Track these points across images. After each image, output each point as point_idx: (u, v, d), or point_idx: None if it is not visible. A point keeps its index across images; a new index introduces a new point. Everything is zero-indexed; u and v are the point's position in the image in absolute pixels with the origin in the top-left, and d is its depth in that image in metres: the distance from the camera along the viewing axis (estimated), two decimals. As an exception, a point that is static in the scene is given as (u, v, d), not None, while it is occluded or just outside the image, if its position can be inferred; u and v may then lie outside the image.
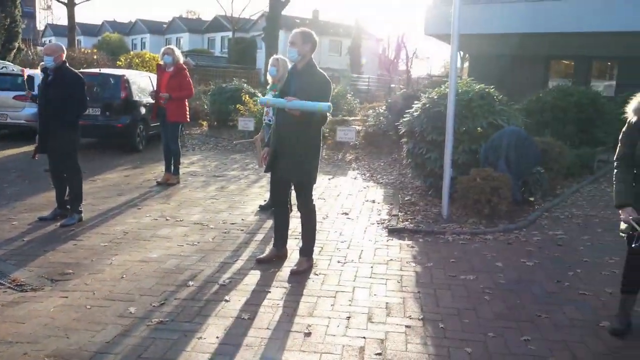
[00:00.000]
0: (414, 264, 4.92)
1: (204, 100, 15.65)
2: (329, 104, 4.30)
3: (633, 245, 3.40)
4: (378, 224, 6.25)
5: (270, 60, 6.24)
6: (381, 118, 12.05)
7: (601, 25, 15.54)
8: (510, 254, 5.26)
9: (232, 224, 6.11)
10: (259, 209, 6.71)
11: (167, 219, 6.22)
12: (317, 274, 4.61)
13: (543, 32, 16.45)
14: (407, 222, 6.27)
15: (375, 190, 8.16)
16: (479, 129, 7.04)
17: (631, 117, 3.49)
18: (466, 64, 24.03)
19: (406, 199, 7.48)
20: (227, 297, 4.06)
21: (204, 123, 15.00)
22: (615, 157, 3.63)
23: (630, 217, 3.37)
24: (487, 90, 7.39)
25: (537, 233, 5.96)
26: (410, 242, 5.57)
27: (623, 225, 3.52)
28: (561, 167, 8.03)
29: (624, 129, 3.57)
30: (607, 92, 17.65)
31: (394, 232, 5.89)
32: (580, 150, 9.60)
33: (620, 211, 3.49)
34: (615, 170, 3.60)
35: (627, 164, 3.52)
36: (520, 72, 17.68)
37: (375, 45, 28.34)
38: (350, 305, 3.99)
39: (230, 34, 37.85)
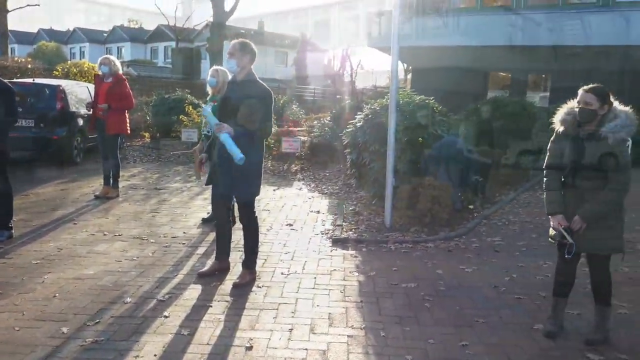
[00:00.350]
0: (357, 274, 4.96)
1: (146, 112, 15.32)
2: (242, 157, 4.18)
3: (566, 257, 3.54)
4: (322, 234, 6.27)
5: (210, 71, 6.19)
6: (326, 129, 12.16)
7: (537, 40, 16.31)
8: (450, 261, 5.39)
9: (174, 237, 5.99)
10: (201, 221, 6.61)
11: (104, 234, 6.02)
12: (260, 287, 4.57)
13: (482, 46, 17.08)
14: (350, 232, 6.33)
15: (320, 200, 8.20)
16: (420, 139, 7.21)
17: (558, 127, 3.66)
18: (410, 76, 24.66)
19: (350, 208, 7.55)
20: (166, 313, 3.96)
21: (146, 135, 14.67)
22: (544, 166, 3.79)
23: (561, 226, 3.53)
24: (427, 101, 7.59)
25: (475, 240, 6.14)
26: (353, 252, 5.62)
27: (552, 232, 3.68)
28: (499, 176, 8.33)
29: (552, 139, 3.74)
30: (542, 102, 18.50)
31: (337, 242, 5.93)
32: (517, 159, 10.01)
33: (551, 218, 3.64)
34: (545, 179, 3.76)
35: (555, 172, 3.69)
36: (461, 84, 18.22)
37: (320, 56, 28.59)
38: (292, 317, 3.98)
39: (173, 43, 37.29)
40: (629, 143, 3.46)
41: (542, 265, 5.23)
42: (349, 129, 7.77)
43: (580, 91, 3.52)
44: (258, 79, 4.51)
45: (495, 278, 4.90)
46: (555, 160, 3.66)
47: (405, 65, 25.40)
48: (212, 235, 5.89)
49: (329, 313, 4.06)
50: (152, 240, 5.84)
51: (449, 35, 18.02)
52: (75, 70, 17.68)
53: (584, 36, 17.66)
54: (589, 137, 3.47)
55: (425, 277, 4.90)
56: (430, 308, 4.19)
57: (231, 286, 4.51)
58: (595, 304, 3.68)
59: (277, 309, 4.10)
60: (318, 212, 7.40)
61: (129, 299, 4.19)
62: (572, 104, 3.59)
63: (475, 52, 17.77)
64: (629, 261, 5.07)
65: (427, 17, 18.83)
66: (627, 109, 3.48)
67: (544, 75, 20.06)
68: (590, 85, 3.50)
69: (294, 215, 7.18)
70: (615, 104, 3.50)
